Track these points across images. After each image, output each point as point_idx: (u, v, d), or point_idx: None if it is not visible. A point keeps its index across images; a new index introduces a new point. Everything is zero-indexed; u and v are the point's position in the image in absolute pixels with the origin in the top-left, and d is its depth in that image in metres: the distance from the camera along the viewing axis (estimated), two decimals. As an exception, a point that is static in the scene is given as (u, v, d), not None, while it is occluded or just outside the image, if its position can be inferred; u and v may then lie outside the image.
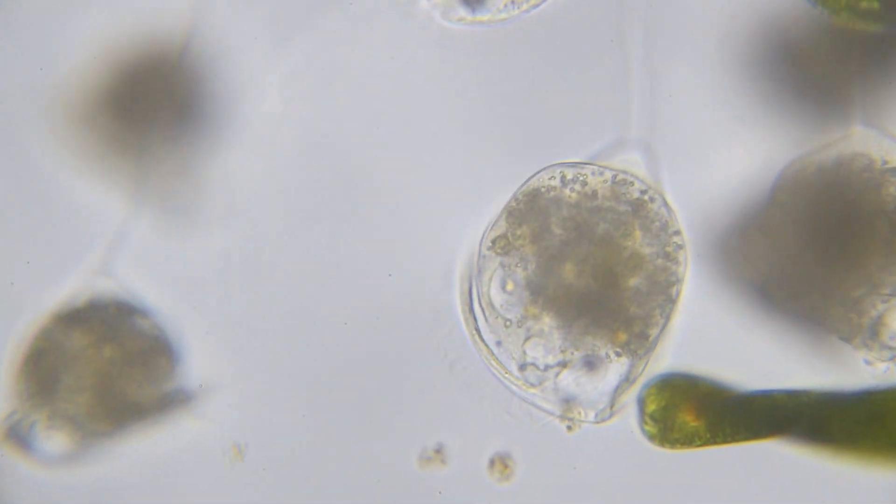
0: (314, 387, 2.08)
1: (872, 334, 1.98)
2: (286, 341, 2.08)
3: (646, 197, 2.01)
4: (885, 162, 1.99)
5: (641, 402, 2.02)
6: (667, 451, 2.02)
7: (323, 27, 2.10)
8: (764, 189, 2.02)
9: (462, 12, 2.06)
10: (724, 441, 2.01)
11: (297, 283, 2.08)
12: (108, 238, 2.09)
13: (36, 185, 2.10)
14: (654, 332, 2.00)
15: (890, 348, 1.98)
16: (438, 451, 2.05)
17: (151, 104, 2.08)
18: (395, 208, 2.09)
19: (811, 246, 1.99)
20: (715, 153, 2.04)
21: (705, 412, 2.01)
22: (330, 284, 2.08)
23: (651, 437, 2.02)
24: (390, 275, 2.07)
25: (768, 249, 2.01)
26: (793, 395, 2.01)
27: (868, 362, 2.00)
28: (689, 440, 2.01)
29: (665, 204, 2.01)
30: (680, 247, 2.01)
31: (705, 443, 2.01)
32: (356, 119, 2.10)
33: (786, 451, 2.02)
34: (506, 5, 2.06)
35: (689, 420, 2.01)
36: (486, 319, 2.03)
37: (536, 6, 2.07)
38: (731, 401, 2.01)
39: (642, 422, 2.02)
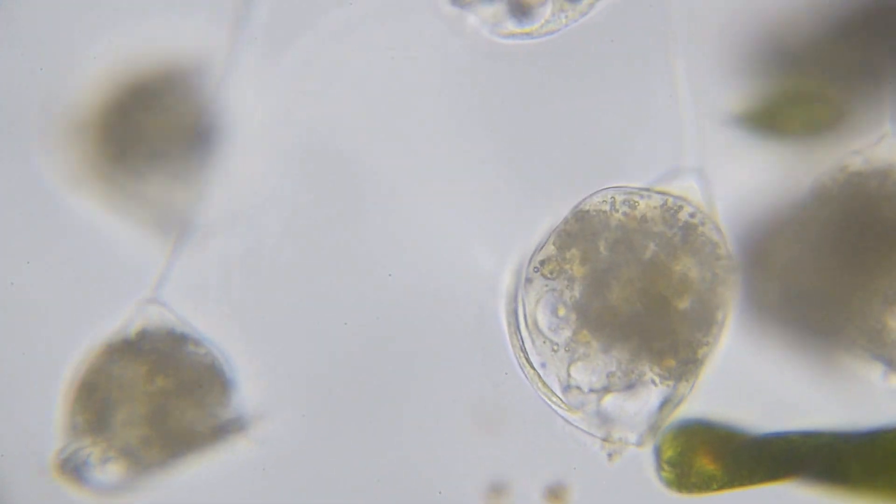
0: (330, 388, 2.06)
1: (892, 346, 2.01)
2: (303, 342, 2.07)
3: (695, 220, 2.02)
4: None
5: (658, 449, 2.02)
6: (685, 496, 2.03)
7: (365, 39, 2.09)
8: (797, 198, 2.04)
9: (510, 25, 2.05)
10: (742, 484, 2.02)
11: (305, 286, 2.07)
12: (157, 266, 2.06)
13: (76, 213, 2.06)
14: (700, 356, 2.00)
15: None
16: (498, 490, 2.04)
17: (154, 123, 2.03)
18: (426, 213, 2.07)
19: (838, 255, 2.01)
20: (747, 163, 2.06)
21: (722, 456, 2.02)
22: (338, 286, 2.06)
23: (668, 483, 2.02)
24: (390, 275, 2.05)
25: (797, 258, 2.03)
26: (808, 436, 2.02)
27: (885, 377, 2.02)
28: (706, 484, 2.02)
29: (715, 228, 2.02)
30: (728, 271, 2.02)
31: (723, 486, 2.02)
32: (377, 123, 2.09)
33: (802, 492, 2.03)
34: (553, 15, 2.06)
35: (706, 464, 2.02)
36: (533, 341, 2.01)
37: (584, 14, 2.06)
38: (746, 444, 2.02)
39: (659, 468, 2.02)
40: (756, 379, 2.02)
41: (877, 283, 1.99)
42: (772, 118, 2.05)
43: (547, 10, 2.06)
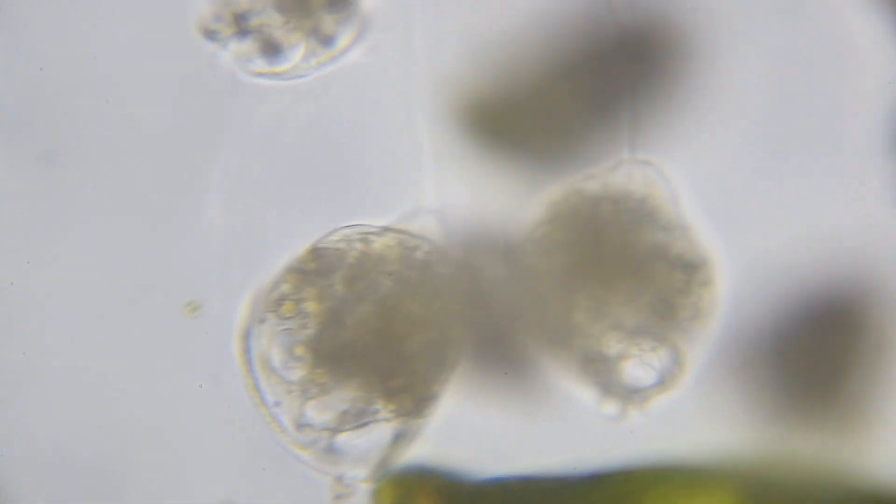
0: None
1: (609, 373, 2.05)
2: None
3: (432, 259, 2.03)
4: (645, 199, 2.06)
5: (376, 496, 2.04)
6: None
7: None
8: (528, 218, 2.08)
9: (261, 64, 2.03)
10: None
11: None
12: None
13: None
14: (433, 393, 2.03)
15: (624, 389, 2.05)
16: None
17: None
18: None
19: (567, 278, 2.05)
20: (483, 186, 2.08)
21: (441, 503, 2.06)
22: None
23: None
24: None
25: (523, 278, 2.06)
26: (527, 482, 2.05)
27: (601, 403, 2.06)
28: None
29: (451, 266, 2.04)
30: (464, 308, 2.04)
31: None
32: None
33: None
34: (304, 57, 2.04)
35: None
36: (266, 380, 2.00)
37: (336, 58, 2.06)
38: (465, 491, 2.05)
39: None
40: (478, 421, 2.05)
41: (601, 309, 2.04)
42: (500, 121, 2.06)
43: (298, 53, 2.03)
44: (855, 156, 2.06)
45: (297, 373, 2.00)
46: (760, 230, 2.06)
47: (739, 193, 2.07)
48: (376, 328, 2.00)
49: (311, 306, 2.00)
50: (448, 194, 2.05)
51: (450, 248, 2.04)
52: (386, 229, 2.03)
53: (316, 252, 2.01)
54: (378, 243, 2.02)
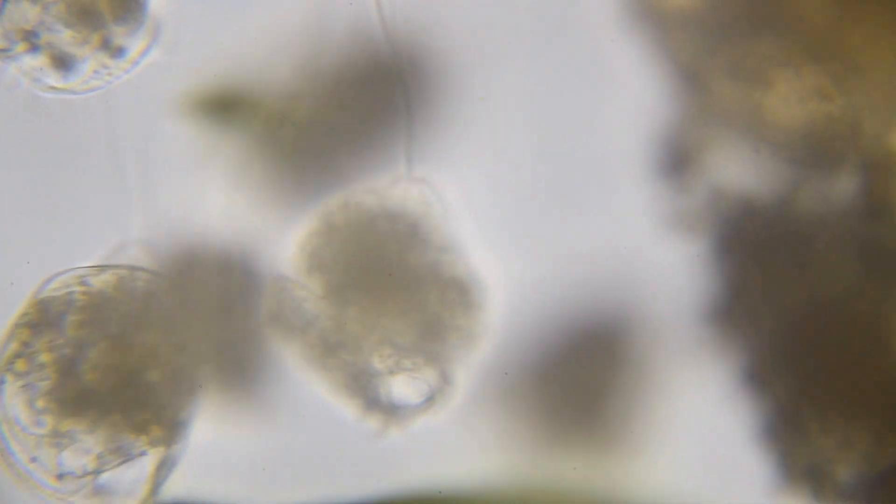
0: None
1: (375, 388, 2.05)
2: None
3: (153, 288, 2.01)
4: (421, 218, 2.04)
5: None
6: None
7: None
8: (302, 230, 2.06)
9: (52, 79, 2.02)
10: None
11: None
12: None
13: None
14: (182, 418, 2.03)
15: (390, 406, 2.04)
16: None
17: None
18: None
19: (337, 287, 2.04)
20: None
21: None
22: None
23: None
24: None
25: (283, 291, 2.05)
26: None
27: (363, 418, 2.06)
28: None
29: (174, 289, 2.02)
30: (200, 329, 2.03)
31: None
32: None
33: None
34: (95, 70, 2.02)
35: None
36: (16, 439, 2.00)
37: (128, 70, 2.04)
38: None
39: None
40: (235, 447, 2.06)
41: (373, 324, 2.02)
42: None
43: (88, 66, 2.01)
44: (617, 179, 2.07)
45: (45, 425, 1.99)
46: (529, 253, 2.07)
47: (511, 216, 2.08)
48: (113, 366, 1.99)
49: (44, 357, 1.99)
50: (160, 219, 2.03)
51: (169, 272, 2.02)
52: (102, 267, 2.01)
53: (39, 303, 1.99)
54: (97, 282, 2.00)
